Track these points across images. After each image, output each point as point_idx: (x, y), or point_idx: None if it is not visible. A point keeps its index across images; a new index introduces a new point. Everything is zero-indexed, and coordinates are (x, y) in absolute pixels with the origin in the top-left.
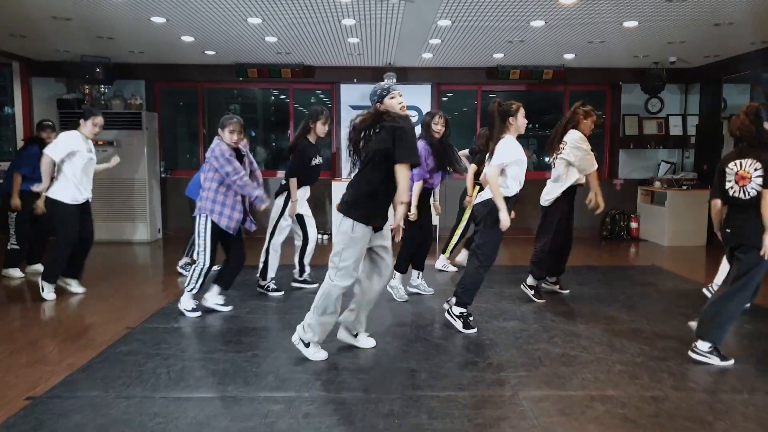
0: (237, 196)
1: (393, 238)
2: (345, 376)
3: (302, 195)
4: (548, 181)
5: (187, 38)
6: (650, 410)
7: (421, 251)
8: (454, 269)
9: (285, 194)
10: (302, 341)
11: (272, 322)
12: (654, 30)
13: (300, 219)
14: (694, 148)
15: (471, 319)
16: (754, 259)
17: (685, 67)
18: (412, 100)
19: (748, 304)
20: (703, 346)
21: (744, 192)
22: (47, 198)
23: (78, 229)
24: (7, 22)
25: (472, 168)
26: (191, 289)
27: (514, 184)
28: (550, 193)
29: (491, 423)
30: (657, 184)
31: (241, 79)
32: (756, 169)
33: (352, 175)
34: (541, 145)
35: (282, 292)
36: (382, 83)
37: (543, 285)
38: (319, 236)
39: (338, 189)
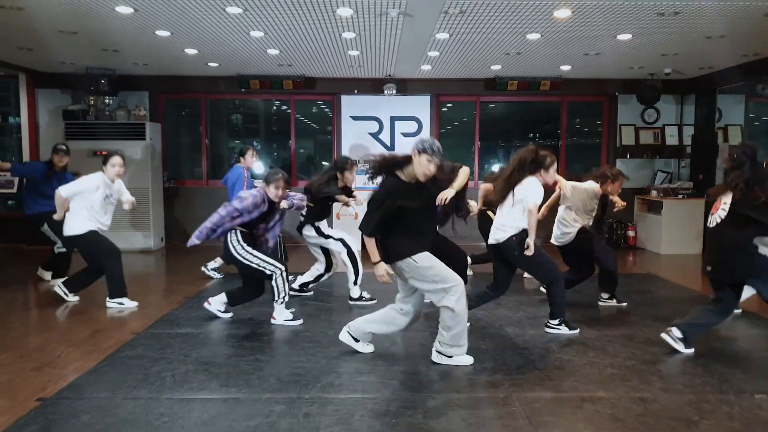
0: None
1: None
2: (344, 378)
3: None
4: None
5: (191, 51)
6: (638, 410)
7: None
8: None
9: (311, 227)
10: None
11: (273, 328)
12: (647, 43)
13: (325, 250)
14: (690, 157)
15: (568, 321)
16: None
17: (680, 79)
18: (412, 110)
19: (739, 310)
20: (676, 332)
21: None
22: (67, 237)
23: (110, 242)
24: (15, 36)
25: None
26: (282, 299)
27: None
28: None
29: (484, 422)
30: (653, 193)
31: (243, 90)
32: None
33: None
34: None
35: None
36: (434, 143)
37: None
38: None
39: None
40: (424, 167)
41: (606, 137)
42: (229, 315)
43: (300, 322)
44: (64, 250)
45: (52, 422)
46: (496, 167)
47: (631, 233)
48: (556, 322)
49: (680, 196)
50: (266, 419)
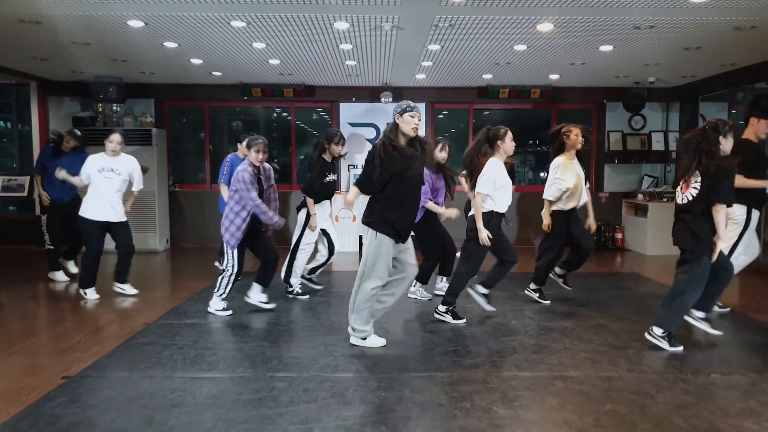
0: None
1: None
2: (340, 361)
3: (323, 210)
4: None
5: (196, 61)
6: (603, 386)
7: (446, 257)
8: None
9: (305, 209)
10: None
11: (275, 317)
12: (629, 53)
13: (325, 233)
14: (675, 162)
15: (456, 310)
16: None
17: (665, 87)
18: None
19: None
20: (657, 330)
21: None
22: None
23: (100, 244)
24: (30, 47)
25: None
26: (220, 294)
27: (502, 202)
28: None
29: (464, 396)
30: (640, 196)
31: (245, 98)
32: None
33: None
34: (538, 161)
35: (307, 296)
36: (409, 102)
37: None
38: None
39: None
40: (410, 123)
41: (595, 143)
42: (272, 306)
43: (229, 313)
44: (51, 247)
45: (79, 396)
46: None
47: (618, 235)
48: (444, 309)
49: (665, 200)
50: (269, 393)
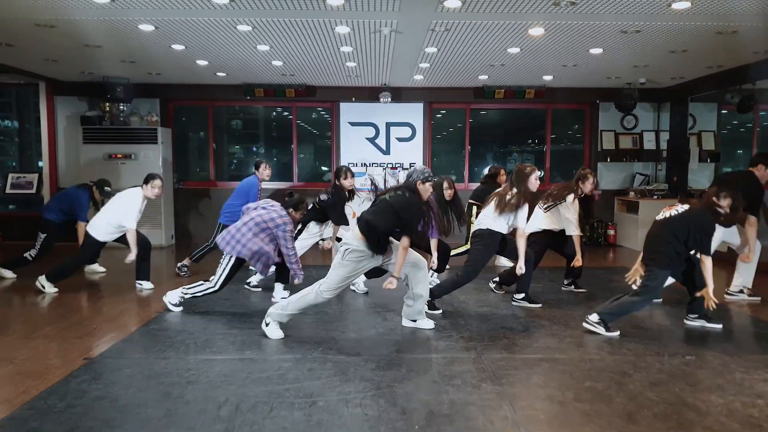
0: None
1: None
2: (342, 344)
3: (316, 228)
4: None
5: (202, 62)
6: (586, 367)
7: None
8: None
9: (313, 222)
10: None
11: None
12: (618, 56)
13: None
14: (666, 161)
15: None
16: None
17: (655, 87)
18: (406, 117)
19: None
20: (594, 317)
21: None
22: (87, 234)
23: (95, 257)
24: (43, 49)
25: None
26: (185, 294)
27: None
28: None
29: (456, 374)
30: (631, 194)
31: (248, 97)
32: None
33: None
34: (537, 160)
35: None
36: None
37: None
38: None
39: None
40: (428, 191)
41: (588, 142)
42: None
43: (180, 309)
44: (30, 260)
45: (100, 374)
46: (485, 170)
47: (611, 232)
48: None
49: (655, 197)
50: (276, 372)
